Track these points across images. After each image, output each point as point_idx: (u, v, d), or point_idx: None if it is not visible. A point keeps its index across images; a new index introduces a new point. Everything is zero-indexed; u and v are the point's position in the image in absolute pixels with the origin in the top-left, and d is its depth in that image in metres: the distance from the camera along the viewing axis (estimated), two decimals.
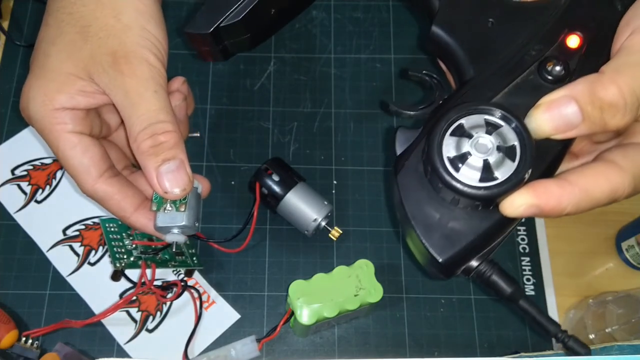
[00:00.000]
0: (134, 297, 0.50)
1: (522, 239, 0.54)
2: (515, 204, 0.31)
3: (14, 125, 0.55)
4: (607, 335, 0.47)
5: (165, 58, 0.41)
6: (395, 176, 0.34)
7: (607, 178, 0.32)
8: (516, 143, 0.31)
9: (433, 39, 0.37)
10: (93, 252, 0.51)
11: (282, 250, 0.52)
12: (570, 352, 0.34)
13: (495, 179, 0.31)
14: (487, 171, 0.31)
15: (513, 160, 0.31)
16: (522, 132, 0.31)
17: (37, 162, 0.54)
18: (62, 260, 0.51)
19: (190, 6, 0.60)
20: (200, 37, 0.42)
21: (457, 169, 0.31)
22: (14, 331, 0.46)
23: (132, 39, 0.39)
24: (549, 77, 0.34)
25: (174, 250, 0.43)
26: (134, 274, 0.50)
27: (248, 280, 0.51)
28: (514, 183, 0.31)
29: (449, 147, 0.32)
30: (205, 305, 0.50)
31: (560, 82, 0.34)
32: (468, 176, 0.31)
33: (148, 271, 0.47)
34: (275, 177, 0.50)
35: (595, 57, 0.34)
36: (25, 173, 0.53)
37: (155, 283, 0.48)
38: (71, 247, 0.51)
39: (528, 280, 0.52)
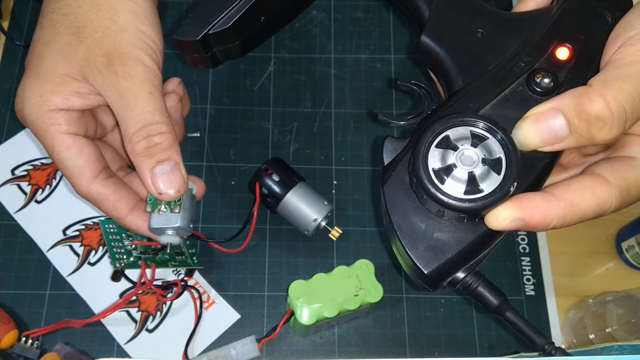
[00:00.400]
0: (134, 297, 0.50)
1: (522, 239, 0.54)
2: (500, 217, 0.31)
3: (14, 126, 0.55)
4: (607, 335, 0.47)
5: (160, 59, 0.41)
6: (381, 186, 0.34)
7: (593, 192, 0.31)
8: (502, 156, 0.31)
9: (422, 49, 0.37)
10: (93, 252, 0.51)
11: (282, 250, 0.52)
12: None
13: (481, 191, 0.31)
14: (472, 184, 0.31)
15: (499, 173, 0.31)
16: (508, 145, 0.31)
17: (37, 162, 0.54)
18: (62, 260, 0.51)
19: (190, 7, 0.60)
20: (189, 44, 0.41)
21: (442, 181, 0.31)
22: (14, 331, 0.46)
23: (127, 40, 0.39)
24: (538, 89, 0.34)
25: (169, 250, 0.43)
26: (134, 274, 0.50)
27: (248, 280, 0.51)
28: (500, 196, 0.31)
29: (434, 159, 0.32)
30: (205, 305, 0.50)
31: (548, 94, 0.33)
32: (453, 188, 0.31)
33: (148, 271, 0.47)
34: (275, 177, 0.50)
35: (584, 70, 0.34)
36: (25, 173, 0.53)
37: (156, 283, 0.48)
38: (71, 247, 0.51)
39: (528, 280, 0.52)
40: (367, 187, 0.55)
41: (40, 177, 0.53)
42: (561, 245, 0.53)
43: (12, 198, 0.53)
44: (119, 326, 0.49)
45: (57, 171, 0.54)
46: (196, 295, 0.50)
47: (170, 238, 0.42)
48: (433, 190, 0.31)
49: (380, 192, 0.34)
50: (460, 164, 0.31)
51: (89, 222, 0.52)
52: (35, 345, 0.47)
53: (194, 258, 0.50)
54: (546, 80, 0.34)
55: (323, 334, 0.50)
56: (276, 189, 0.50)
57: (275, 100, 0.57)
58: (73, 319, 0.48)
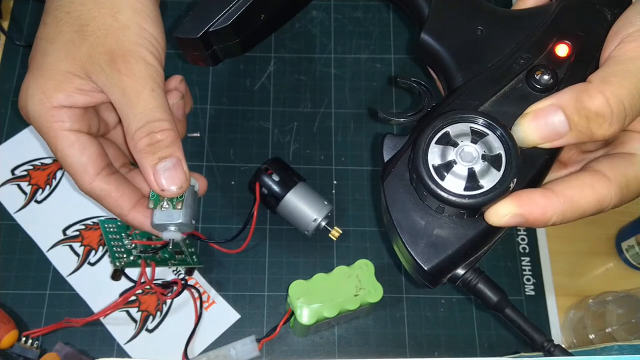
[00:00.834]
0: (134, 297, 0.50)
1: (522, 239, 0.54)
2: (500, 214, 0.31)
3: (14, 125, 0.55)
4: (607, 335, 0.47)
5: (162, 57, 0.41)
6: (382, 183, 0.34)
7: (593, 189, 0.32)
8: (502, 152, 0.31)
9: (422, 46, 0.37)
10: (93, 252, 0.51)
11: (282, 250, 0.52)
12: None
13: (481, 187, 0.31)
14: (472, 180, 0.31)
15: (498, 169, 0.31)
16: (508, 141, 0.31)
17: (37, 162, 0.54)
18: (62, 260, 0.51)
19: (190, 6, 0.60)
20: (190, 42, 0.42)
21: (442, 178, 0.31)
22: (14, 331, 0.46)
23: (130, 37, 0.39)
24: (537, 86, 0.34)
25: (171, 247, 0.43)
26: (133, 273, 0.50)
27: (248, 280, 0.51)
28: (499, 192, 0.31)
29: (434, 156, 0.32)
30: (205, 305, 0.50)
31: (548, 90, 0.34)
32: (453, 185, 0.31)
33: (148, 270, 0.47)
34: (275, 177, 0.50)
35: (583, 66, 0.34)
36: (25, 173, 0.53)
37: (155, 282, 0.48)
38: (71, 247, 0.51)
39: (528, 280, 0.52)
40: (367, 187, 0.55)
41: (40, 177, 0.53)
42: (561, 245, 0.53)
43: (12, 198, 0.53)
44: (119, 326, 0.49)
45: (57, 171, 0.54)
46: (196, 295, 0.50)
47: (172, 234, 0.42)
48: (433, 186, 0.31)
49: (380, 189, 0.34)
50: (460, 160, 0.31)
51: (89, 222, 0.52)
52: (35, 345, 0.47)
53: (194, 257, 0.50)
54: (546, 77, 0.34)
55: (323, 334, 0.50)
56: (276, 189, 0.50)
57: (275, 100, 0.57)
58: (73, 318, 0.48)
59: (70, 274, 0.51)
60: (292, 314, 0.45)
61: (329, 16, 0.61)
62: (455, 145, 0.32)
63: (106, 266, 0.51)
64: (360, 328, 0.50)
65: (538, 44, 0.35)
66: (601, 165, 0.33)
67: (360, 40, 0.60)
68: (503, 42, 0.36)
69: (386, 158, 0.35)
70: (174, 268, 0.51)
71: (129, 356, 0.48)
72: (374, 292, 0.45)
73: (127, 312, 0.50)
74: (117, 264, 0.46)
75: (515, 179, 0.31)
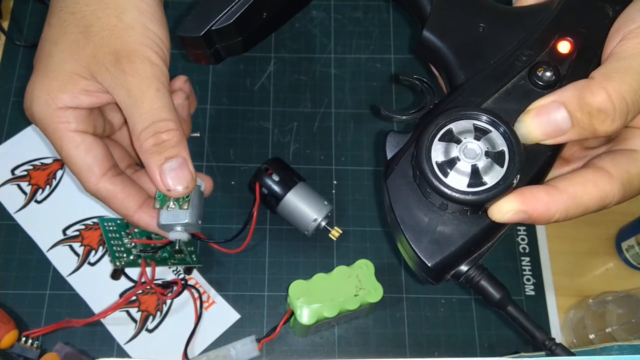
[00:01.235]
0: (134, 297, 0.50)
1: (522, 239, 0.54)
2: (503, 210, 0.31)
3: (14, 125, 0.55)
4: (607, 335, 0.47)
5: (167, 57, 0.41)
6: (384, 180, 0.34)
7: (596, 185, 0.32)
8: (505, 148, 0.32)
9: (424, 43, 0.37)
10: (93, 252, 0.51)
11: (282, 250, 0.52)
12: None
13: (484, 184, 0.31)
14: (475, 176, 0.31)
15: (501, 165, 0.31)
16: (511, 138, 0.31)
17: (37, 162, 0.54)
18: (62, 260, 0.51)
19: (190, 6, 0.60)
20: (192, 41, 0.42)
21: (445, 174, 0.31)
22: (14, 331, 0.46)
23: (135, 38, 0.39)
24: (540, 83, 0.34)
25: (177, 247, 0.43)
26: (133, 273, 0.50)
27: (248, 280, 0.51)
28: (503, 189, 0.31)
29: (437, 152, 0.32)
30: (205, 305, 0.50)
31: (550, 87, 0.34)
32: (456, 181, 0.31)
33: (148, 270, 0.47)
34: (275, 177, 0.50)
35: (585, 63, 0.34)
36: (25, 173, 0.53)
37: (155, 282, 0.48)
38: (71, 247, 0.51)
39: (528, 280, 0.52)
40: (367, 187, 0.55)
41: (40, 177, 0.53)
42: (561, 245, 0.53)
43: (12, 198, 0.53)
44: (119, 326, 0.49)
45: (57, 171, 0.54)
46: (196, 295, 0.50)
47: (178, 234, 0.42)
48: (436, 183, 0.31)
49: (383, 186, 0.34)
50: (463, 157, 0.32)
51: (89, 222, 0.52)
52: (35, 345, 0.47)
53: (193, 256, 0.50)
54: (548, 74, 0.34)
55: (323, 334, 0.50)
56: (276, 189, 0.50)
57: (275, 100, 0.57)
58: (73, 318, 0.48)
59: (70, 274, 0.51)
60: (292, 314, 0.45)
61: (329, 16, 0.61)
62: (458, 142, 0.32)
63: (106, 266, 0.51)
64: (360, 328, 0.50)
65: (540, 40, 0.35)
66: (604, 161, 0.33)
67: (360, 40, 0.60)
68: (505, 39, 0.36)
69: (389, 155, 0.35)
70: (174, 268, 0.51)
71: (129, 356, 0.48)
72: (374, 292, 0.45)
73: (127, 312, 0.50)
74: (117, 263, 0.46)
75: (518, 176, 0.31)
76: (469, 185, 0.31)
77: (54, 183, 0.53)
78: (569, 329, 0.50)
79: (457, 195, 0.31)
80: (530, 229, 0.54)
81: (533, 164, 0.33)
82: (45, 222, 0.52)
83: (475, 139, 0.32)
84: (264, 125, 0.56)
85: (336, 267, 0.46)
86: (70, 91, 0.39)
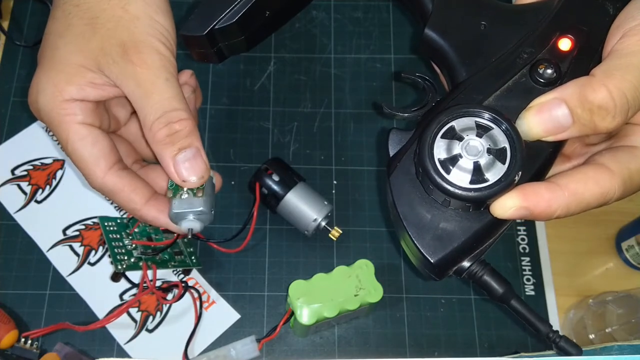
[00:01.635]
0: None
1: (522, 239, 0.54)
2: (505, 206, 0.31)
3: (14, 125, 0.55)
4: (607, 335, 0.47)
5: (174, 47, 0.41)
6: (387, 177, 0.35)
7: (597, 182, 0.32)
8: (506, 145, 0.32)
9: (426, 41, 0.37)
10: (93, 252, 0.51)
11: (282, 250, 0.52)
12: (562, 352, 0.34)
13: (486, 181, 0.31)
14: (477, 173, 0.32)
15: (503, 162, 0.32)
16: (512, 135, 0.32)
17: (37, 162, 0.54)
18: (62, 260, 0.51)
19: (190, 6, 0.60)
20: (195, 39, 0.42)
21: (448, 171, 0.32)
22: (14, 331, 0.46)
23: (141, 28, 0.39)
24: (541, 80, 0.34)
25: (190, 236, 0.42)
26: (133, 275, 0.50)
27: (248, 280, 0.51)
28: (504, 185, 0.31)
29: (440, 150, 0.32)
30: (205, 305, 0.50)
31: (551, 84, 0.34)
32: (459, 178, 0.32)
33: (149, 272, 0.47)
34: (275, 177, 0.50)
35: (586, 60, 0.35)
36: (25, 173, 0.53)
37: (156, 284, 0.48)
38: (71, 247, 0.51)
39: (528, 280, 0.52)
40: (367, 187, 0.55)
41: (40, 177, 0.53)
42: (561, 245, 0.53)
43: (12, 198, 0.53)
44: (119, 326, 0.49)
45: (57, 171, 0.54)
46: (196, 295, 0.50)
47: (191, 223, 0.41)
48: (439, 180, 0.31)
49: (386, 184, 0.35)
50: (465, 154, 0.32)
51: (89, 222, 0.52)
52: (35, 345, 0.47)
53: (193, 257, 0.50)
54: (549, 71, 0.34)
55: (323, 334, 0.50)
56: (276, 189, 0.50)
57: (275, 100, 0.57)
58: (73, 319, 0.47)
59: (70, 274, 0.51)
60: (292, 314, 0.45)
61: (329, 16, 0.61)
62: (460, 139, 0.32)
63: (106, 266, 0.51)
64: (360, 328, 0.50)
65: (541, 38, 0.35)
66: (604, 158, 0.33)
67: (360, 40, 0.60)
68: (506, 36, 0.36)
69: (392, 153, 0.36)
70: (174, 269, 0.51)
71: (129, 356, 0.48)
72: (374, 292, 0.45)
73: (127, 312, 0.50)
74: (119, 266, 0.46)
75: (520, 172, 0.31)
76: (471, 182, 0.31)
77: (54, 183, 0.53)
78: (569, 329, 0.50)
79: (459, 192, 0.31)
80: (530, 229, 0.54)
81: (534, 161, 0.33)
82: (45, 222, 0.52)
83: (477, 136, 0.32)
84: (264, 125, 0.56)
85: (336, 267, 0.46)
86: (77, 83, 0.39)
